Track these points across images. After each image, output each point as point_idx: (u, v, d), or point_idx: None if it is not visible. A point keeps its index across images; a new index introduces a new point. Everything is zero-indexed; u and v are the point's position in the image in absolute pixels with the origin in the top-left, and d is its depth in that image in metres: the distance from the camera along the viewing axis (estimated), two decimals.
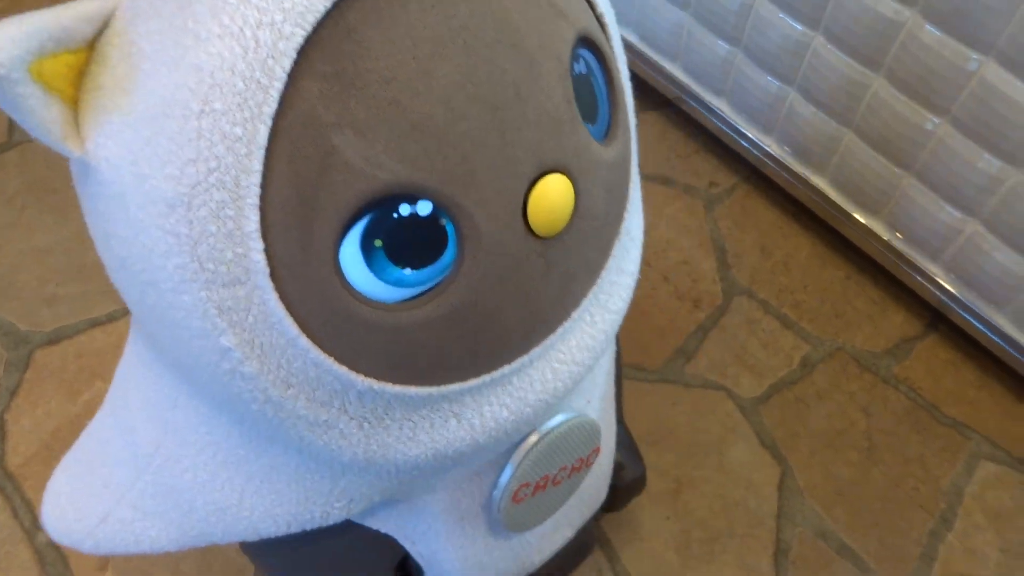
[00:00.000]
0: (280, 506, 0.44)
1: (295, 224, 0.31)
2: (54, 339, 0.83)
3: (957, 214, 0.76)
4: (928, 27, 0.68)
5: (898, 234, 0.83)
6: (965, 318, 0.81)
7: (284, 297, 0.32)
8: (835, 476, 0.77)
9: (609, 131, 0.39)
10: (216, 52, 0.29)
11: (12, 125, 0.98)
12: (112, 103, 0.30)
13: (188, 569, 0.71)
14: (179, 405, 0.44)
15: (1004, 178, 0.70)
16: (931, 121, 0.73)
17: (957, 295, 0.80)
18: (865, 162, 0.81)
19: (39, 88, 0.29)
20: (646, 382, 0.82)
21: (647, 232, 0.92)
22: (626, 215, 0.43)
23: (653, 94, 1.02)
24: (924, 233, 0.80)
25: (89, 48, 0.30)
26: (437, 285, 0.34)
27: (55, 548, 0.71)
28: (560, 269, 0.38)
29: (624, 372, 0.82)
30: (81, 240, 0.89)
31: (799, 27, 0.78)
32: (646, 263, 0.89)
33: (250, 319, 0.32)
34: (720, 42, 0.88)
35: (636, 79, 1.01)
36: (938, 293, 0.82)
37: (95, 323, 0.84)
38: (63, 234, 0.90)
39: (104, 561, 0.71)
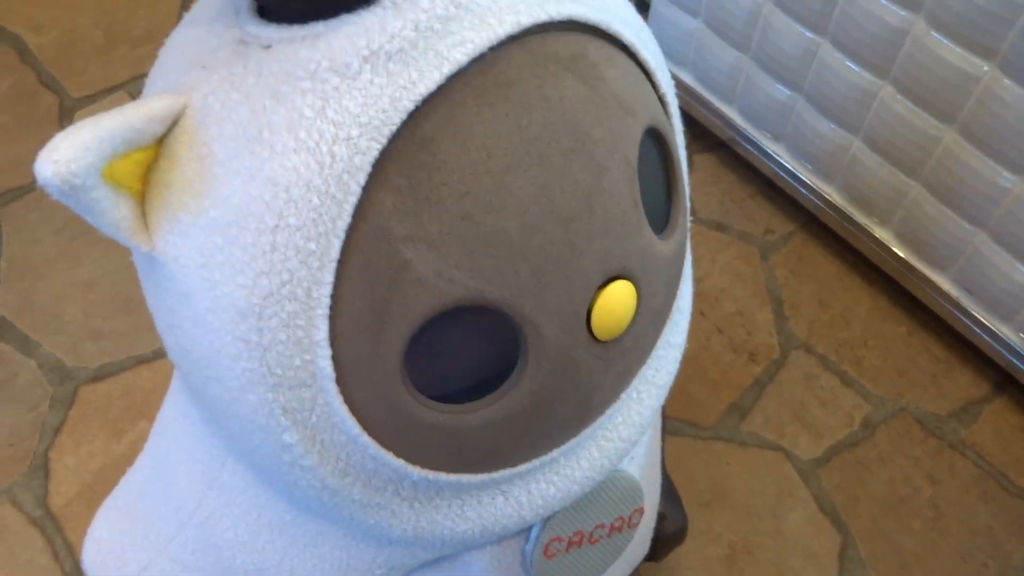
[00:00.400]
0: (321, 571, 0.44)
1: (364, 333, 0.31)
2: (99, 376, 0.82)
3: None
4: (1007, 82, 0.65)
5: (967, 292, 0.79)
6: None
7: (348, 399, 0.32)
8: (899, 547, 0.73)
9: (669, 219, 0.39)
10: (292, 167, 0.28)
11: None
12: (181, 202, 0.30)
13: None
14: (227, 466, 0.44)
15: None
16: (1007, 179, 0.70)
17: None
18: (933, 217, 0.78)
19: (110, 189, 0.28)
20: (699, 439, 0.79)
21: (700, 280, 0.90)
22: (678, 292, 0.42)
23: (707, 136, 1.00)
24: (995, 292, 0.76)
25: (158, 144, 0.30)
26: (500, 387, 0.34)
27: None
28: (618, 367, 0.38)
29: (676, 428, 0.79)
30: (128, 272, 0.89)
31: (867, 75, 0.76)
32: (699, 313, 0.87)
33: (313, 418, 0.32)
34: (780, 87, 0.85)
35: (690, 120, 0.99)
36: (1007, 354, 0.78)
37: (141, 360, 0.83)
38: (110, 266, 0.90)
39: None
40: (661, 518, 0.61)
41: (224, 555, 0.46)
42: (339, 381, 0.32)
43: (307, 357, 0.31)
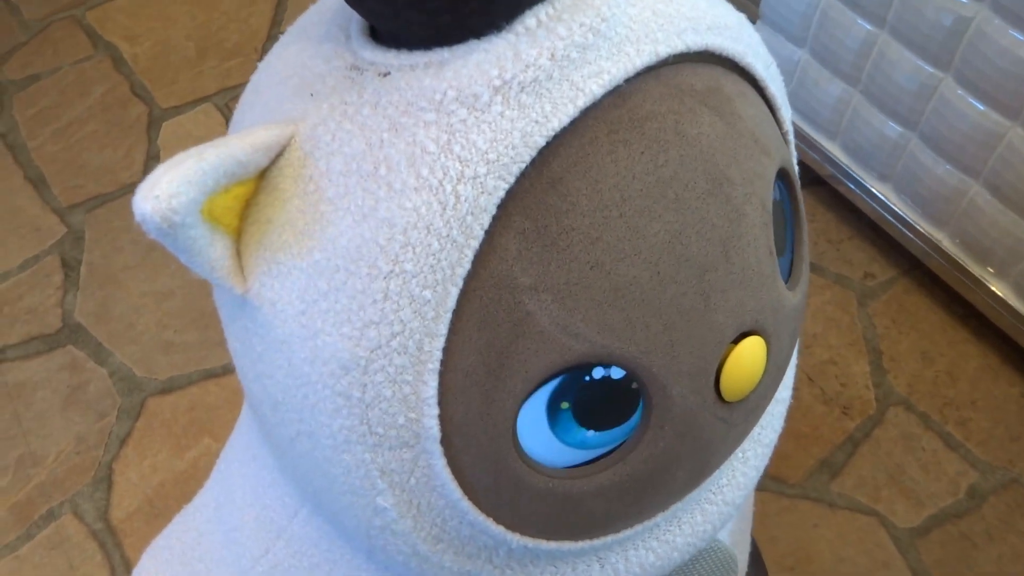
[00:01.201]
0: None
1: (476, 391, 0.28)
2: (167, 388, 0.81)
3: None
4: None
5: None
6: None
7: (452, 462, 0.30)
8: None
9: (792, 269, 0.36)
10: (412, 207, 0.26)
11: (148, 163, 1.00)
12: (282, 242, 0.28)
13: None
14: (299, 516, 0.41)
15: None
16: None
17: None
18: None
19: (208, 227, 0.26)
20: (785, 496, 0.73)
21: None
22: None
23: (806, 171, 0.94)
24: None
25: (259, 178, 0.27)
26: (616, 450, 0.31)
27: None
28: (739, 429, 0.35)
29: (761, 484, 0.74)
30: (203, 286, 0.88)
31: (995, 115, 0.70)
32: None
33: (412, 481, 0.30)
34: (891, 123, 0.80)
35: None
36: None
37: (210, 375, 0.82)
38: (186, 279, 0.89)
39: None
40: None
41: None
42: (444, 442, 0.29)
43: (412, 416, 0.28)
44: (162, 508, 0.74)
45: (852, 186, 0.88)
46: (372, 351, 0.27)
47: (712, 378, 0.31)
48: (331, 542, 0.40)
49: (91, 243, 0.92)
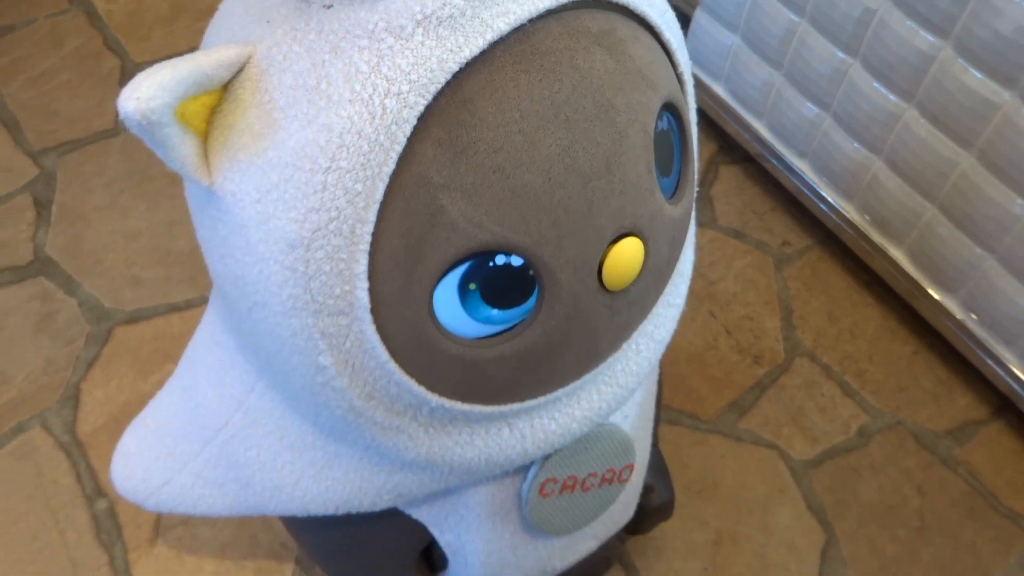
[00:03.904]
0: (333, 492, 0.47)
1: (399, 269, 0.34)
2: (134, 319, 0.87)
3: None
4: None
5: (973, 315, 0.81)
6: None
7: (380, 328, 0.35)
8: (881, 551, 0.75)
9: (677, 188, 0.41)
10: (347, 116, 0.31)
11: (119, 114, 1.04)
12: (241, 143, 0.33)
13: (233, 552, 0.73)
14: (256, 391, 0.47)
15: None
16: (1019, 205, 0.72)
17: None
18: (946, 240, 0.80)
19: (180, 127, 0.32)
20: (697, 431, 0.81)
21: (714, 283, 0.92)
22: (680, 255, 0.45)
23: (736, 149, 1.03)
24: (1002, 318, 0.78)
25: (222, 90, 0.33)
26: (515, 327, 0.37)
27: (112, 516, 0.74)
28: (622, 317, 0.41)
29: (676, 418, 0.82)
30: (169, 228, 0.94)
31: (893, 98, 0.78)
32: (709, 314, 0.90)
33: (347, 344, 0.35)
34: (809, 104, 0.88)
35: (721, 133, 1.02)
36: (1008, 380, 0.80)
37: (173, 308, 0.88)
38: (153, 220, 0.94)
39: (154, 535, 0.74)
40: (649, 490, 0.64)
41: (244, 472, 0.49)
42: (373, 311, 0.35)
43: (347, 288, 0.34)
44: (125, 425, 0.79)
45: (776, 162, 0.96)
46: (313, 232, 0.32)
47: (595, 269, 0.37)
48: (283, 412, 0.46)
49: (63, 184, 0.97)
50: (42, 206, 0.95)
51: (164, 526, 0.74)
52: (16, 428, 0.79)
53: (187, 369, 0.53)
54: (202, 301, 0.88)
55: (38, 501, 0.75)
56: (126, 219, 0.94)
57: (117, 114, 1.02)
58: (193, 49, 1.08)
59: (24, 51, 1.09)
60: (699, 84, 1.01)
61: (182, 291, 0.89)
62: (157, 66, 0.31)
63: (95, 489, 0.76)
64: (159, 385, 0.82)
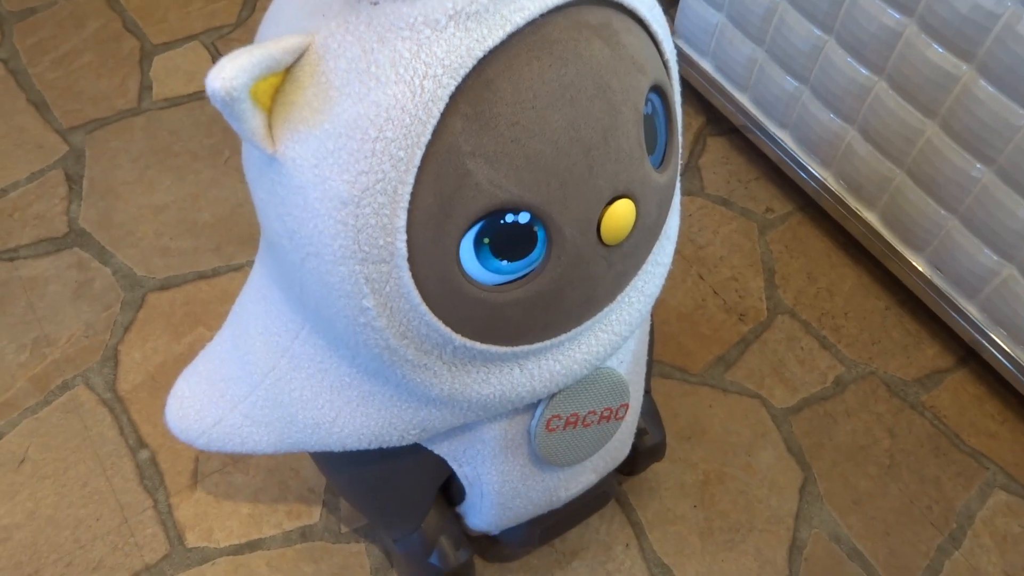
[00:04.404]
0: (367, 427, 0.53)
1: (432, 224, 0.40)
2: (165, 286, 0.93)
3: (995, 257, 0.81)
4: (982, 82, 0.74)
5: (939, 271, 0.88)
6: (995, 356, 0.86)
7: (415, 275, 0.42)
8: (854, 487, 0.83)
9: (664, 159, 0.48)
10: (392, 94, 0.38)
11: (142, 92, 1.10)
12: (302, 117, 0.40)
13: (265, 496, 0.80)
14: (300, 338, 0.53)
15: None
16: (978, 169, 0.79)
17: (989, 333, 0.86)
18: (913, 202, 0.87)
19: (252, 103, 0.38)
20: (687, 383, 0.89)
21: (702, 247, 0.99)
22: (667, 218, 0.52)
23: (722, 121, 1.09)
24: (963, 273, 0.85)
25: (285, 72, 0.40)
26: (526, 275, 0.44)
27: (154, 465, 0.82)
28: (618, 268, 0.48)
29: (667, 372, 0.89)
30: (194, 200, 1.00)
31: (864, 71, 0.85)
32: (698, 276, 0.97)
33: (387, 288, 0.42)
34: (789, 78, 0.95)
35: (708, 106, 1.09)
36: (971, 330, 0.87)
37: (201, 276, 0.94)
38: (179, 194, 1.01)
39: (193, 481, 0.81)
40: (642, 433, 0.71)
41: (288, 411, 0.56)
42: (410, 260, 0.41)
43: (389, 239, 0.40)
44: (163, 383, 0.86)
45: (759, 133, 1.03)
46: (363, 191, 0.39)
47: (595, 225, 0.44)
48: (324, 356, 0.53)
49: (91, 160, 1.03)
50: (73, 181, 1.01)
51: (202, 473, 0.81)
52: (62, 386, 0.86)
53: (236, 321, 0.60)
54: (228, 268, 0.95)
55: (86, 452, 0.82)
56: (153, 193, 1.01)
57: (139, 93, 1.09)
58: (209, 30, 1.16)
59: (47, 32, 1.15)
60: (687, 60, 1.07)
61: (209, 260, 0.95)
62: (236, 51, 0.37)
63: (137, 441, 0.83)
64: (191, 347, 0.90)
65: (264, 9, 1.18)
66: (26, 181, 1.01)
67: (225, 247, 0.96)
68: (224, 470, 0.82)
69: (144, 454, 0.82)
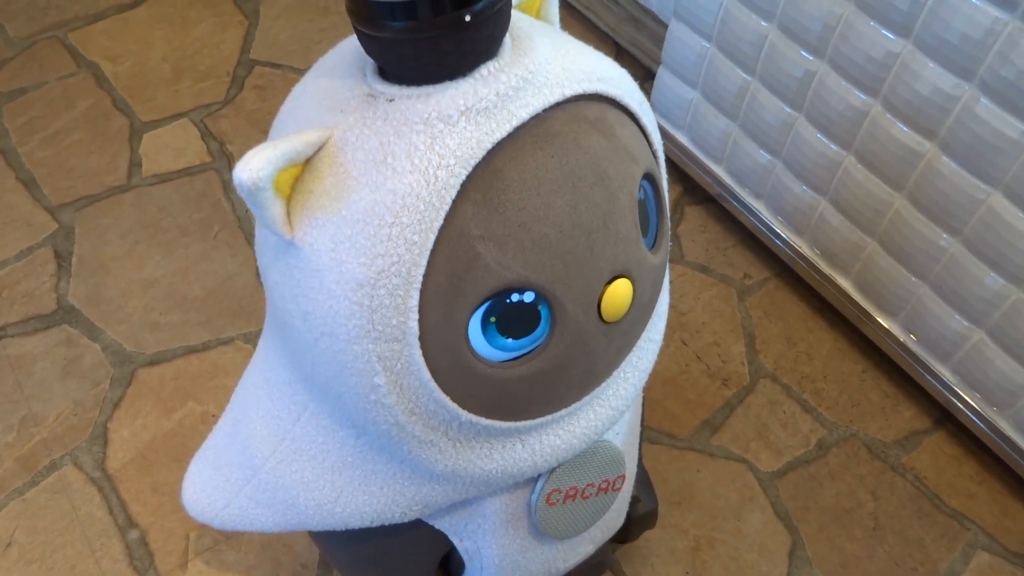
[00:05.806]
0: (369, 506, 0.54)
1: (443, 303, 0.42)
2: (155, 361, 0.94)
3: (965, 323, 0.85)
4: (945, 159, 0.79)
5: (912, 336, 0.92)
6: (970, 417, 0.89)
7: (425, 352, 0.44)
8: (841, 550, 0.84)
9: (656, 241, 0.51)
10: (407, 183, 0.40)
11: (131, 169, 1.12)
12: (320, 204, 0.42)
13: (257, 574, 0.80)
14: (302, 420, 0.54)
15: (1007, 295, 0.79)
16: (945, 239, 0.83)
17: (963, 395, 0.88)
18: (885, 269, 0.90)
19: (273, 192, 0.40)
20: (675, 448, 0.90)
21: (684, 314, 1.02)
22: (659, 296, 0.54)
23: (698, 190, 1.13)
24: (935, 337, 0.89)
25: (304, 163, 0.42)
26: (531, 352, 0.46)
27: (143, 545, 0.81)
28: (616, 344, 0.50)
29: (655, 437, 0.91)
30: (183, 275, 1.01)
31: (834, 147, 0.89)
32: (681, 342, 0.99)
33: (398, 366, 0.44)
34: (762, 152, 0.99)
35: (684, 176, 1.13)
36: (946, 393, 0.90)
37: (191, 350, 0.95)
38: (168, 269, 1.02)
39: (184, 560, 0.80)
40: (635, 500, 0.72)
41: (290, 494, 0.56)
42: (421, 338, 0.43)
43: (402, 319, 0.42)
44: (152, 460, 0.86)
45: (735, 203, 1.07)
46: (379, 273, 0.41)
47: (596, 304, 0.46)
48: (326, 436, 0.54)
49: (81, 237, 1.04)
50: (62, 258, 1.02)
51: (193, 551, 0.81)
52: (50, 466, 0.85)
53: (239, 403, 0.61)
54: (218, 342, 0.96)
55: (74, 533, 0.81)
56: (143, 268, 1.02)
57: (129, 170, 1.10)
58: (198, 107, 1.19)
59: (37, 111, 1.17)
60: (664, 133, 1.12)
61: (199, 334, 0.96)
62: (262, 145, 0.39)
63: (127, 520, 0.82)
64: (181, 422, 0.90)
65: (254, 87, 1.21)
66: (15, 259, 1.01)
67: (215, 320, 0.97)
68: (216, 548, 0.81)
69: (134, 534, 0.81)
